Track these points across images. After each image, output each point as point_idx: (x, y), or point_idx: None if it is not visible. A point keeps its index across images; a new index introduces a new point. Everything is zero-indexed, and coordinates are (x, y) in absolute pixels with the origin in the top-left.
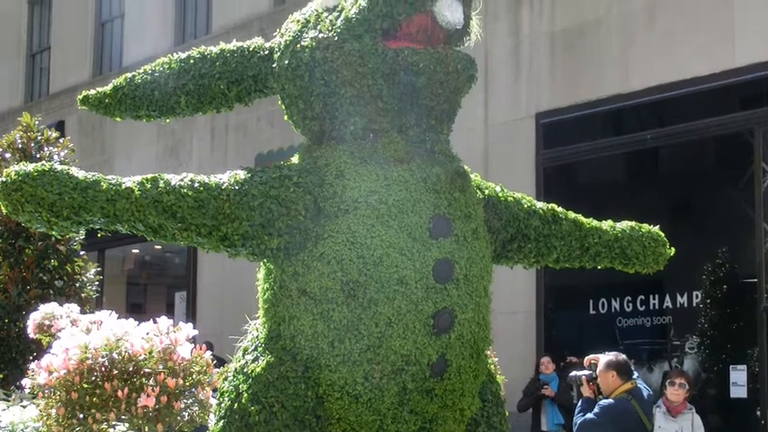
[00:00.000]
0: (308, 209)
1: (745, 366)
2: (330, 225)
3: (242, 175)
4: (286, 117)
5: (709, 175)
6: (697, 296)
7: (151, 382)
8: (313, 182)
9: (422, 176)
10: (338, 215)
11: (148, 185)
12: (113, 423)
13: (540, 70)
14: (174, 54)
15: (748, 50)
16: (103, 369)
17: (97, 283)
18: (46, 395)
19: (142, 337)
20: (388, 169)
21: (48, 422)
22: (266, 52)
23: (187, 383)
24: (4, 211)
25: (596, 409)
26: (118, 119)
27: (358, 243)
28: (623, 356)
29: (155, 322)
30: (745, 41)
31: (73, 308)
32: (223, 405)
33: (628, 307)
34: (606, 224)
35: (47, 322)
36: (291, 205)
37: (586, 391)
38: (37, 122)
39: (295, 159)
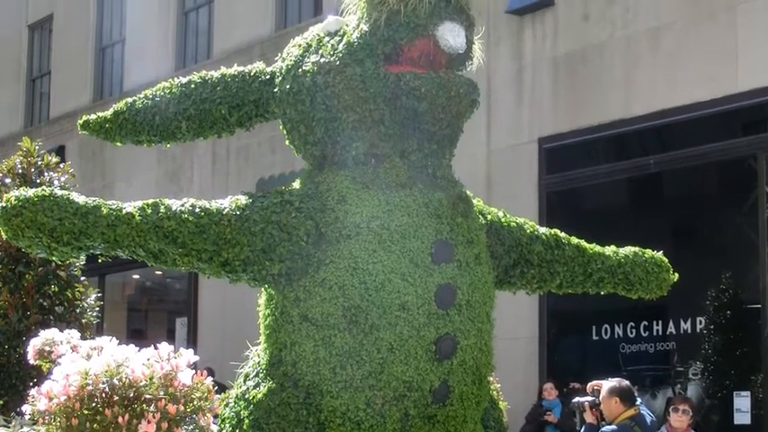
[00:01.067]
0: (309, 234)
1: (748, 393)
2: (332, 250)
3: (243, 200)
4: (287, 142)
5: (713, 200)
6: (700, 322)
7: (152, 408)
8: (315, 207)
9: (424, 201)
10: (340, 240)
11: (149, 211)
12: None
13: (543, 95)
14: (175, 79)
15: (751, 75)
16: (104, 395)
17: (98, 308)
18: (46, 421)
19: (143, 363)
20: (389, 194)
21: None
22: (268, 77)
23: (188, 410)
24: (5, 236)
25: None
26: (118, 144)
27: (360, 269)
28: (626, 382)
29: (155, 348)
30: (748, 66)
31: (73, 334)
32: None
33: (631, 333)
34: (609, 250)
35: (47, 348)
36: (293, 231)
37: (589, 418)
38: (37, 147)
39: (296, 184)
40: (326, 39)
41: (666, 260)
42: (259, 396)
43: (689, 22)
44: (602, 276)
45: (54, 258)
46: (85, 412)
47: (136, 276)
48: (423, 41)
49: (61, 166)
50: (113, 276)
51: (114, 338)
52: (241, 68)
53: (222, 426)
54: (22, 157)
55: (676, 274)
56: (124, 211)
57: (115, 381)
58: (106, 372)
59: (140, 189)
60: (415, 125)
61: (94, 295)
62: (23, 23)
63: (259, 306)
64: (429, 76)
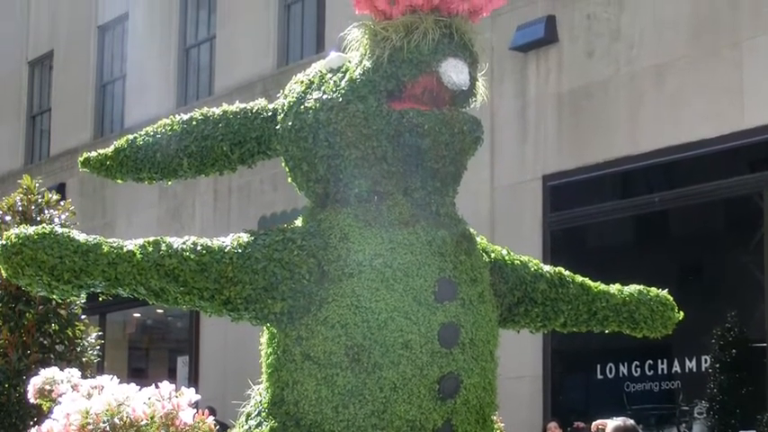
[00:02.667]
0: (311, 272)
1: (754, 431)
2: (334, 289)
3: (245, 238)
4: (290, 179)
5: (718, 238)
6: (706, 360)
7: None
8: (317, 245)
9: (427, 239)
10: (342, 279)
11: (150, 249)
12: None
13: (547, 132)
14: (177, 115)
15: (757, 112)
16: None
17: (98, 347)
18: None
19: (144, 401)
20: (392, 232)
21: None
22: (270, 114)
23: None
24: (5, 274)
25: None
26: (119, 181)
27: (362, 307)
28: (631, 422)
29: (157, 387)
30: (753, 103)
31: (74, 372)
32: None
33: (636, 371)
34: (614, 288)
35: (47, 387)
36: (295, 269)
37: None
38: (37, 185)
39: (299, 222)
40: (329, 75)
41: (671, 298)
42: None
43: (693, 59)
44: (607, 315)
45: (54, 297)
46: None
47: (137, 315)
48: (426, 78)
49: (61, 203)
50: (114, 315)
51: (115, 377)
52: (243, 105)
53: None
54: (22, 195)
55: (681, 313)
56: (125, 249)
57: (116, 420)
58: (107, 411)
59: (141, 227)
60: (418, 162)
61: (95, 334)
62: (23, 60)
63: (261, 344)
64: (432, 113)
